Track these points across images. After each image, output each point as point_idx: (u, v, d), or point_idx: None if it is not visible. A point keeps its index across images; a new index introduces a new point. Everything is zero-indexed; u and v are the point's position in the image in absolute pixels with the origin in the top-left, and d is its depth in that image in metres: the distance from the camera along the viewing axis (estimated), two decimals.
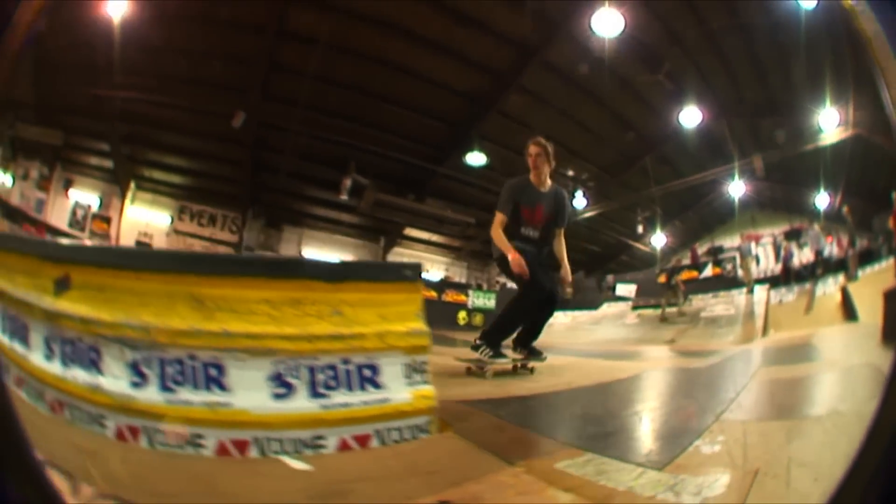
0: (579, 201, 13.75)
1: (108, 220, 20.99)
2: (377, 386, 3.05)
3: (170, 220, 19.39)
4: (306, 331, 2.68)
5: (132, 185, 20.36)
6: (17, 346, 2.56)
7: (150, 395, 2.49)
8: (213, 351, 2.53)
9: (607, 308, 13.79)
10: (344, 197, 13.58)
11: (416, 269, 3.77)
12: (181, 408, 2.56)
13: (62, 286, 2.46)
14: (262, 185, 16.95)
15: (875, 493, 1.16)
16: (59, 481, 1.60)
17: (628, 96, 13.39)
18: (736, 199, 13.60)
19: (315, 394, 2.80)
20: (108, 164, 21.08)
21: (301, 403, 2.68)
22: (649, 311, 13.28)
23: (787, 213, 13.51)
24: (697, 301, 13.24)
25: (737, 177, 13.19)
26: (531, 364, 6.40)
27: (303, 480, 2.66)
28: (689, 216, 14.62)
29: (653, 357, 11.15)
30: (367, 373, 2.99)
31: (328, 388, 2.82)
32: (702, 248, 14.22)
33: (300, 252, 16.86)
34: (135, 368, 2.48)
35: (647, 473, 2.74)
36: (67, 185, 22.44)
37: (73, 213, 21.86)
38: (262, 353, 2.63)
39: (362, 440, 2.95)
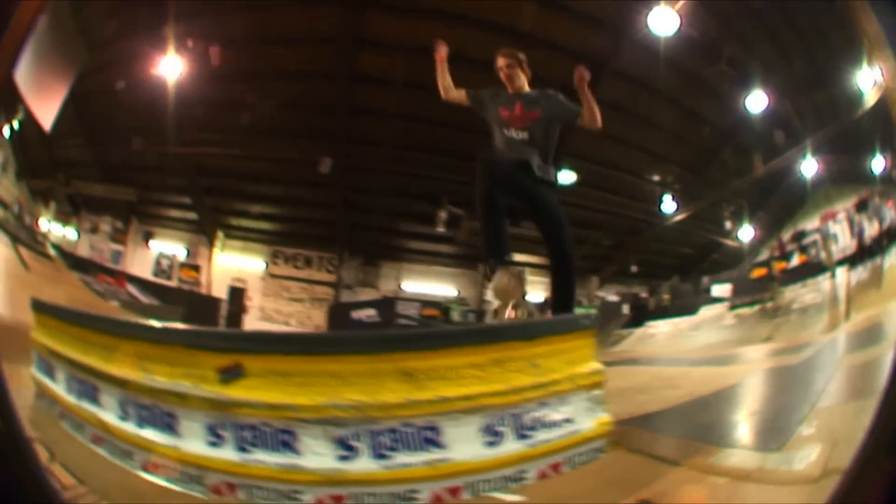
0: (668, 206, 13.55)
1: (197, 269, 21.61)
2: (569, 421, 3.56)
3: (264, 265, 19.73)
4: (511, 385, 2.97)
5: (220, 234, 20.87)
6: (159, 436, 2.64)
7: (364, 464, 2.61)
8: (429, 417, 2.68)
9: (705, 311, 13.53)
10: (441, 229, 13.61)
11: (592, 317, 4.17)
12: (399, 471, 2.72)
13: (232, 374, 2.56)
14: (356, 224, 17.28)
15: (876, 493, 1.25)
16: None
17: (696, 91, 13.55)
18: (809, 179, 13.29)
19: (521, 436, 3.21)
20: (192, 216, 21.63)
21: (509, 446, 3.07)
22: (745, 310, 12.82)
23: (854, 184, 13.03)
24: (789, 292, 12.91)
25: (808, 155, 12.87)
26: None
27: None
28: (771, 204, 14.43)
29: (754, 359, 11.60)
30: (562, 411, 3.28)
31: (531, 429, 3.14)
32: (786, 236, 13.82)
33: (399, 286, 17.01)
34: (343, 443, 2.58)
35: (770, 455, 4.00)
36: (148, 236, 23.34)
37: (158, 263, 22.64)
38: (474, 411, 2.86)
39: (556, 467, 3.46)
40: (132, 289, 22.36)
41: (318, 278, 18.61)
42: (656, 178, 14.16)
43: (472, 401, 2.88)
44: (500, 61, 5.95)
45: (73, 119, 21.11)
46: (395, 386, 2.77)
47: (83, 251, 26.98)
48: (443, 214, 14.07)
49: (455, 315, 16.18)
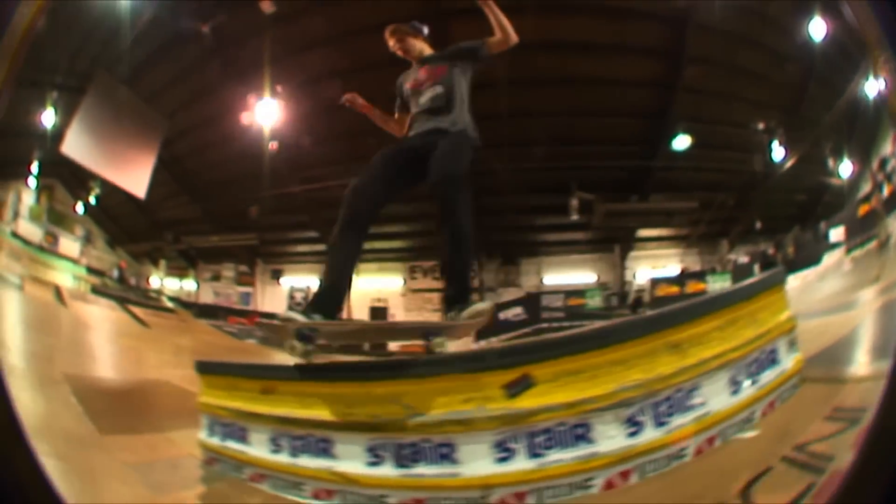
0: (777, 153, 13.49)
1: None
2: (778, 363, 3.62)
3: (402, 281, 21.19)
4: (743, 339, 3.32)
5: None
6: (437, 469, 2.84)
7: (649, 435, 2.90)
8: (693, 379, 3.01)
9: (828, 258, 13.62)
10: (575, 217, 13.83)
11: (783, 272, 4.46)
12: (676, 433, 2.94)
13: (521, 387, 2.78)
14: (490, 227, 17.65)
15: (877, 493, 1.18)
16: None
17: (769, 28, 13.54)
18: (876, 100, 12.53)
19: (753, 382, 3.44)
20: (321, 247, 22.67)
21: (746, 392, 3.38)
22: (859, 251, 12.63)
23: None
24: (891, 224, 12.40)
25: (871, 77, 12.23)
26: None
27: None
28: (858, 135, 14.06)
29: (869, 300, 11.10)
30: (772, 354, 3.60)
31: (758, 374, 3.49)
32: (875, 165, 13.51)
33: (541, 281, 17.34)
34: (631, 422, 2.92)
35: None
36: (277, 274, 25.80)
37: (291, 297, 24.86)
38: (722, 367, 3.24)
39: (772, 404, 3.51)
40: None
41: None
42: (761, 125, 14.11)
43: (721, 358, 3.17)
44: (390, 41, 5.14)
45: (167, 182, 22.51)
46: (667, 359, 3.07)
47: (207, 298, 28.54)
48: (574, 202, 14.28)
49: (598, 300, 16.31)
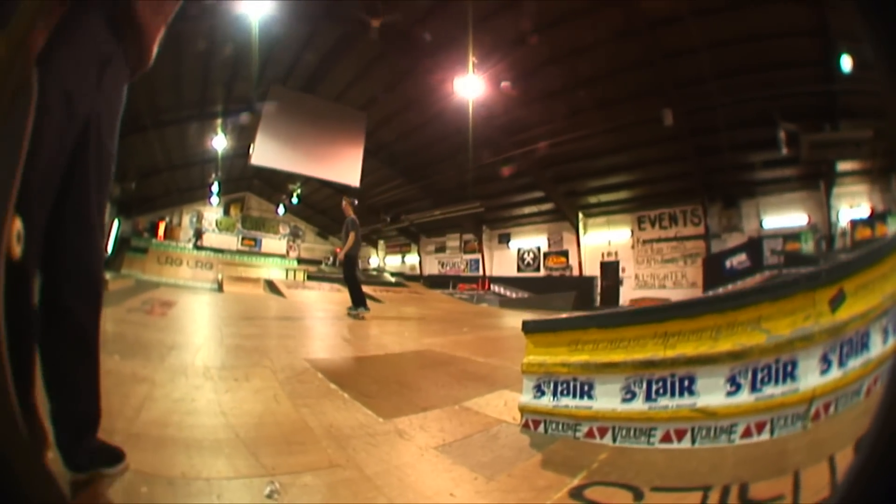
0: None
1: (565, 254, 24.22)
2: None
3: (630, 233, 21.37)
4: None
5: (580, 215, 22.87)
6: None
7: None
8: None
9: None
10: (785, 151, 13.25)
11: None
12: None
13: (838, 301, 2.74)
14: (710, 168, 17.61)
15: (876, 493, 1.06)
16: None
17: None
18: None
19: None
20: (547, 206, 24.08)
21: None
22: None
23: None
24: None
25: None
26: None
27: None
28: None
29: None
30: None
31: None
32: None
33: (760, 224, 16.84)
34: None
35: None
36: (505, 238, 27.35)
37: (521, 258, 26.44)
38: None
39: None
40: (498, 288, 25.64)
41: (686, 234, 19.64)
42: None
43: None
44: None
45: (375, 168, 23.84)
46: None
47: (432, 270, 30.40)
48: (782, 134, 13.60)
49: (810, 244, 15.52)
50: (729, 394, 2.54)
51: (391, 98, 20.61)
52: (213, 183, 30.95)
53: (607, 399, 2.81)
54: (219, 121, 22.26)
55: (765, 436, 2.40)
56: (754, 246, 16.68)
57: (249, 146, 21.37)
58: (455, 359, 5.81)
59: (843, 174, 15.60)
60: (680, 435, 2.61)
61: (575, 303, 17.63)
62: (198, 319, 9.24)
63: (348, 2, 15.14)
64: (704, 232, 18.84)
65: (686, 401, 2.59)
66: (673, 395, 2.63)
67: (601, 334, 2.97)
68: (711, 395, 2.54)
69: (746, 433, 2.45)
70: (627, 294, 20.88)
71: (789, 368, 2.56)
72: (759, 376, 2.56)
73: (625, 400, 2.75)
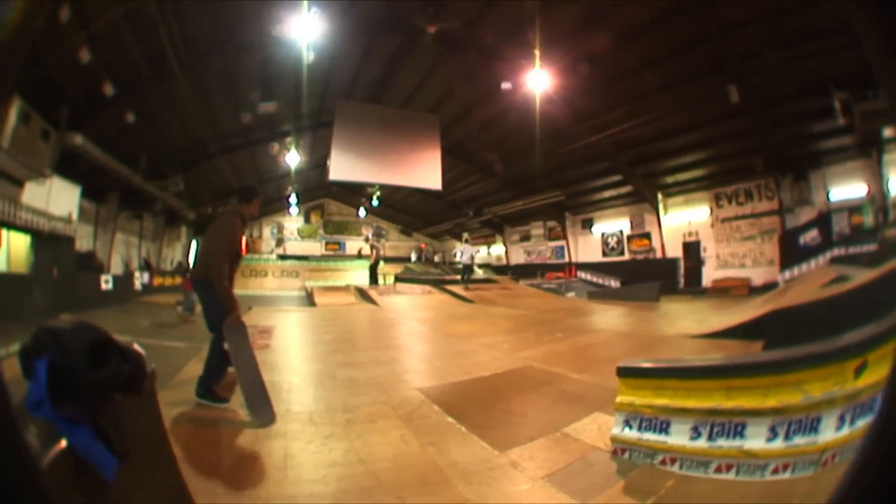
0: None
1: (647, 236, 24.75)
2: None
3: (709, 211, 21.53)
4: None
5: (659, 196, 23.29)
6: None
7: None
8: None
9: None
10: (841, 120, 13.39)
11: None
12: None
13: (861, 369, 3.19)
14: (778, 141, 17.63)
15: (876, 493, 1.08)
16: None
17: None
18: None
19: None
20: (625, 189, 24.60)
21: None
22: None
23: None
24: None
25: None
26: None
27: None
28: None
29: None
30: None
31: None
32: None
33: (827, 196, 17.17)
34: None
35: None
36: (588, 223, 28.18)
37: (605, 243, 27.08)
38: None
39: None
40: (585, 275, 26.39)
41: (761, 209, 19.64)
42: None
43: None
44: None
45: (452, 165, 25.23)
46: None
47: (518, 259, 33.07)
48: (836, 103, 13.61)
49: (870, 217, 15.34)
50: (768, 440, 3.16)
51: (459, 97, 21.29)
52: (290, 194, 32.49)
53: (679, 436, 3.47)
54: (289, 139, 23.54)
55: (787, 474, 3.06)
56: (824, 221, 16.57)
57: (325, 159, 22.55)
58: (553, 377, 6.29)
59: (890, 140, 15.30)
60: (728, 468, 3.28)
61: (660, 292, 17.63)
62: (302, 348, 9.41)
63: (402, 12, 15.75)
64: (779, 207, 18.74)
65: (736, 443, 3.24)
66: (728, 436, 3.28)
67: (679, 383, 3.61)
68: (756, 439, 3.19)
69: (775, 471, 3.12)
70: (709, 274, 21.01)
71: (814, 423, 3.16)
72: (792, 428, 3.17)
73: (692, 438, 3.41)
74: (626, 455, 3.74)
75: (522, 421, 4.67)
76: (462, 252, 23.22)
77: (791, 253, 17.19)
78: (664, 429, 3.66)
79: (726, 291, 19.07)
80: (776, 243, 18.74)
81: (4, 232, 13.62)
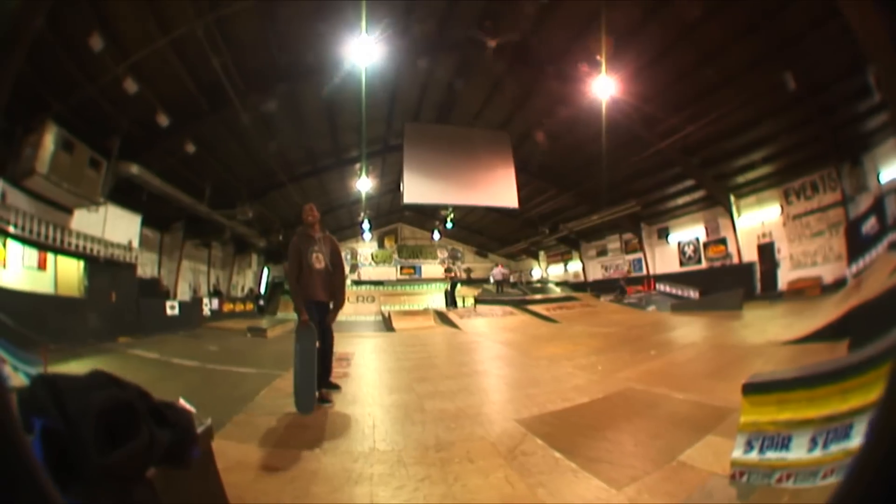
0: None
1: (723, 242, 24.35)
2: None
3: (779, 209, 20.99)
4: None
5: (732, 198, 22.80)
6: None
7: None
8: None
9: None
10: (878, 96, 13.50)
11: None
12: None
13: None
14: (833, 126, 17.34)
15: (876, 493, 1.11)
16: None
17: None
18: None
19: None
20: (698, 195, 24.37)
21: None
22: None
23: None
24: None
25: None
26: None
27: None
28: None
29: None
30: None
31: None
32: None
33: (878, 179, 16.62)
34: None
35: None
36: (664, 233, 27.87)
37: (682, 252, 26.71)
38: None
39: None
40: (664, 287, 25.90)
41: (826, 202, 19.01)
42: None
43: None
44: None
45: (525, 182, 25.44)
46: None
47: (596, 274, 33.24)
48: (871, 78, 13.24)
49: None
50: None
51: (527, 111, 21.36)
52: (362, 220, 33.06)
53: (798, 450, 3.26)
54: (359, 165, 23.94)
55: None
56: (879, 207, 15.39)
57: (397, 183, 22.74)
58: (656, 398, 6.02)
59: None
60: (833, 472, 3.06)
61: (743, 299, 17.51)
62: (383, 377, 9.10)
63: (460, 28, 16.03)
64: (841, 197, 18.07)
65: (843, 444, 3.02)
66: (839, 440, 3.06)
67: (804, 393, 3.41)
68: (859, 437, 2.97)
69: None
70: (784, 276, 20.46)
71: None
72: None
73: (810, 449, 3.19)
74: (745, 478, 3.55)
75: (635, 451, 4.35)
76: (493, 275, 28.60)
77: (856, 245, 16.16)
78: (785, 444, 3.43)
79: (801, 293, 18.47)
80: (843, 236, 17.90)
81: (50, 256, 14.07)
